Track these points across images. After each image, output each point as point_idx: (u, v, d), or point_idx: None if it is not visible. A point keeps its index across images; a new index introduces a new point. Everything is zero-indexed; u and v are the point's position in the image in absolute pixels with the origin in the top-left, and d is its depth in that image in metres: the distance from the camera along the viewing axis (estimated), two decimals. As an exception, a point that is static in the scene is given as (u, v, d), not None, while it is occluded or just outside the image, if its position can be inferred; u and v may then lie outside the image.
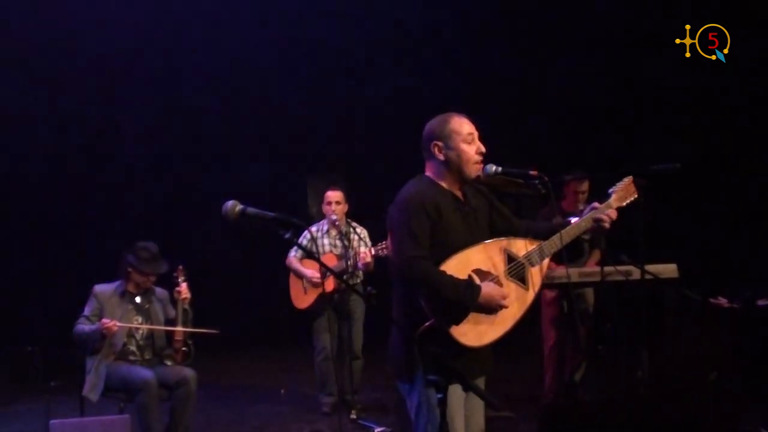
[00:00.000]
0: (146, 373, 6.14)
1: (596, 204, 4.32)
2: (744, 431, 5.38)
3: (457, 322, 3.86)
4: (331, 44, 11.58)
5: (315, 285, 7.52)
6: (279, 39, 11.61)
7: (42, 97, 11.13)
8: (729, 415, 4.45)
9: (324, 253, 7.57)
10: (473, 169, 4.09)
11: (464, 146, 4.06)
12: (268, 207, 3.66)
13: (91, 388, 6.19)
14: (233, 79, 11.91)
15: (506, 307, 3.95)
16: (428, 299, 3.85)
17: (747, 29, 8.73)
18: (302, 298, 7.69)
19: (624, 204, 4.40)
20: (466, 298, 3.83)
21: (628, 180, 4.44)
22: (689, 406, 4.26)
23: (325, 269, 3.74)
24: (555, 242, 4.14)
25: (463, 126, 4.10)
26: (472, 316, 3.90)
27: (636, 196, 4.46)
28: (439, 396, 3.27)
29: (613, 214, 4.28)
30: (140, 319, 6.46)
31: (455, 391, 3.76)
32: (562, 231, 4.16)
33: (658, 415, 4.12)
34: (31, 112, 11.20)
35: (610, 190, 4.40)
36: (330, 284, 7.46)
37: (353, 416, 7.44)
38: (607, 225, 4.25)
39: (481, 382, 4.11)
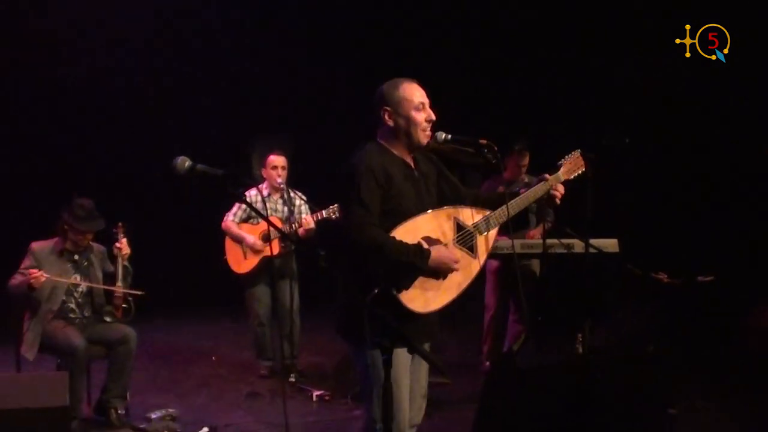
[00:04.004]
0: (75, 341, 6.01)
1: (546, 176, 4.37)
2: (678, 403, 5.46)
3: (407, 287, 3.86)
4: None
5: (256, 251, 7.43)
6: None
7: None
8: (664, 385, 4.52)
9: (269, 216, 7.44)
10: (422, 136, 4.07)
11: (414, 113, 4.03)
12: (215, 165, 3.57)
13: (29, 347, 6.09)
14: (180, 38, 11.69)
15: (457, 270, 3.96)
16: (377, 264, 3.83)
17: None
18: (242, 263, 7.54)
19: (572, 177, 4.45)
20: (417, 261, 3.83)
21: (576, 153, 4.50)
22: (626, 375, 4.33)
23: (275, 230, 3.67)
24: (503, 212, 4.17)
25: (413, 93, 4.06)
26: (420, 281, 3.90)
27: (584, 169, 4.50)
28: (384, 357, 3.26)
29: (562, 189, 4.35)
30: (78, 277, 6.33)
31: (401, 354, 3.75)
32: (510, 201, 4.18)
33: (597, 382, 4.17)
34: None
35: (559, 162, 4.44)
36: (276, 247, 7.39)
37: (292, 379, 7.40)
38: (557, 200, 4.33)
39: (426, 348, 4.11)
